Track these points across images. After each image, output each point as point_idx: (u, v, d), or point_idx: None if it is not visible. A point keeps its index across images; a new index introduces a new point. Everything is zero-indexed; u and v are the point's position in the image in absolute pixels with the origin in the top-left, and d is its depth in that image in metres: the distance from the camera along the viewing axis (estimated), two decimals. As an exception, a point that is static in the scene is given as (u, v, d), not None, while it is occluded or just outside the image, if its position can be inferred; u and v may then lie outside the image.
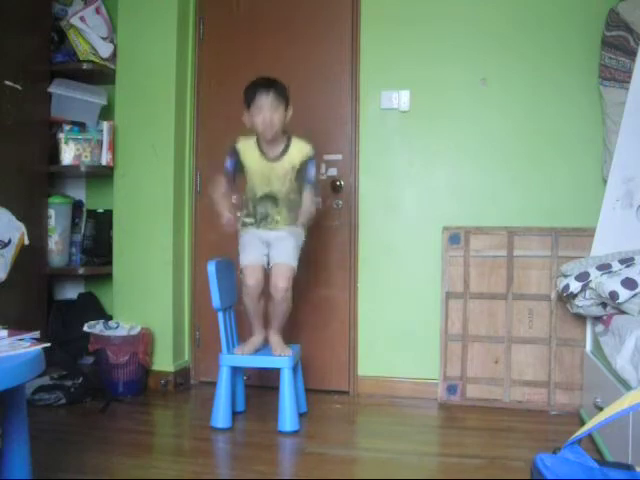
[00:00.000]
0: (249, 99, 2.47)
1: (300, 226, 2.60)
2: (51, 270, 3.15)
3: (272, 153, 2.53)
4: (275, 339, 2.60)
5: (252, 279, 2.49)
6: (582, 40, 2.88)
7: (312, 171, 2.57)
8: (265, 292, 2.57)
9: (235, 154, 2.57)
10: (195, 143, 3.30)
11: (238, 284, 2.70)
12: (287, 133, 2.55)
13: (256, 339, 2.63)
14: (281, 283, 2.48)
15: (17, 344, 1.58)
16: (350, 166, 3.14)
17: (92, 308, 3.31)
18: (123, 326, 3.02)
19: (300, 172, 2.56)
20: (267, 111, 2.42)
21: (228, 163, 2.59)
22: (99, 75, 3.23)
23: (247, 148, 2.56)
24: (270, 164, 2.52)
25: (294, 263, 2.54)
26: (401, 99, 3.07)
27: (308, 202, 2.58)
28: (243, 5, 3.26)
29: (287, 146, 2.53)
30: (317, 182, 2.67)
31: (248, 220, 2.61)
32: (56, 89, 3.13)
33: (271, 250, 2.56)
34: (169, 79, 3.14)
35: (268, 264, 2.55)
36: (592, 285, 2.40)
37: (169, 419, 2.83)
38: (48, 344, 1.61)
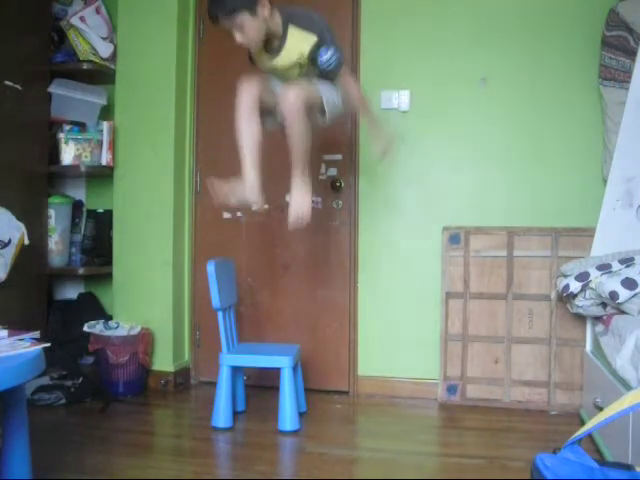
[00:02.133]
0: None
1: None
2: (51, 270, 3.15)
3: (271, 49, 2.17)
4: (297, 181, 2.19)
5: (246, 88, 2.14)
6: (582, 40, 2.88)
7: (325, 58, 2.09)
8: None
9: (251, 58, 2.28)
10: (195, 143, 3.30)
11: (238, 283, 2.70)
12: (282, 18, 2.11)
13: (242, 183, 2.16)
14: (291, 96, 2.04)
15: (17, 344, 1.59)
16: (350, 166, 3.14)
17: (92, 308, 3.31)
18: (123, 326, 3.02)
19: (316, 66, 2.14)
20: (234, 32, 2.06)
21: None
22: (99, 75, 3.23)
23: (255, 50, 2.21)
24: (274, 59, 2.17)
25: (320, 92, 2.15)
26: (401, 99, 3.07)
27: (351, 89, 2.21)
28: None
29: (282, 41, 2.12)
30: (342, 60, 2.16)
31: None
32: (56, 89, 3.13)
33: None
34: (169, 79, 3.14)
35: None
36: (592, 285, 2.40)
37: (169, 419, 2.83)
38: (48, 344, 1.61)
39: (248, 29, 2.05)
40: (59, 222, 3.16)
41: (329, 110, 2.21)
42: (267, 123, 2.26)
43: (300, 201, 2.16)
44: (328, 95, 2.20)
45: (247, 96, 2.15)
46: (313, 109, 2.17)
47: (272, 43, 2.16)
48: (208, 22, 3.26)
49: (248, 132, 2.14)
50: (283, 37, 2.12)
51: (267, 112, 2.23)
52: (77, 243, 3.30)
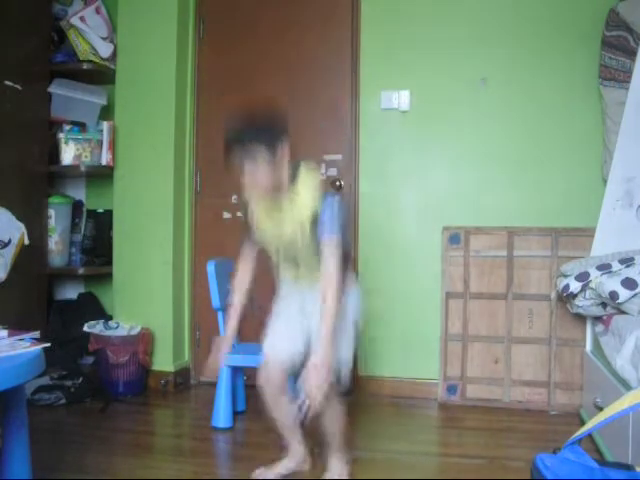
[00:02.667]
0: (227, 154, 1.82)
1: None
2: (51, 270, 3.15)
3: (276, 207, 1.90)
4: (335, 462, 2.02)
5: (264, 373, 1.94)
6: (582, 40, 2.88)
7: (325, 215, 1.83)
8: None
9: (245, 208, 2.02)
10: (195, 143, 3.30)
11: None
12: (293, 176, 1.87)
13: (290, 458, 2.06)
14: (318, 374, 1.74)
15: (17, 344, 1.59)
16: (350, 166, 3.14)
17: (92, 308, 3.31)
18: (123, 326, 3.02)
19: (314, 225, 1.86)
20: (247, 168, 1.78)
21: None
22: (99, 75, 3.23)
23: (252, 199, 1.95)
24: (276, 214, 1.91)
25: (344, 355, 1.90)
26: (401, 99, 3.07)
27: (325, 285, 1.83)
28: (243, 5, 3.26)
29: (292, 199, 1.87)
30: (340, 226, 1.87)
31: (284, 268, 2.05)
32: (56, 89, 3.13)
33: (310, 321, 1.95)
34: (169, 79, 3.14)
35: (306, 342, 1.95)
36: (592, 285, 2.40)
37: (169, 419, 2.83)
38: (48, 344, 1.61)
39: (262, 172, 1.79)
40: (59, 222, 3.16)
41: (345, 373, 1.93)
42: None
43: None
44: (343, 358, 1.92)
45: (274, 386, 1.95)
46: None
47: (278, 200, 1.88)
48: (208, 22, 3.29)
49: (282, 414, 2.02)
50: (292, 197, 1.86)
51: None
52: (77, 243, 3.30)
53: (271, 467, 2.06)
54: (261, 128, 1.82)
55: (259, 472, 2.04)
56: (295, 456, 2.08)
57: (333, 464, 2.02)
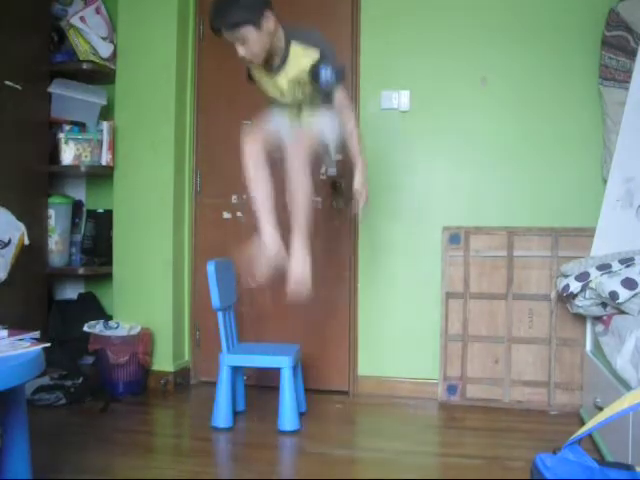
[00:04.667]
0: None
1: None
2: (51, 270, 3.15)
3: (272, 67, 2.14)
4: (298, 256, 2.13)
5: (252, 136, 2.11)
6: (582, 40, 2.88)
7: (326, 75, 2.06)
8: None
9: (250, 76, 2.25)
10: (195, 143, 3.30)
11: (238, 283, 2.69)
12: (286, 35, 2.09)
13: (265, 244, 2.11)
14: (298, 147, 2.05)
15: (17, 344, 1.59)
16: (350, 166, 3.12)
17: (92, 308, 3.31)
18: (123, 326, 3.02)
19: (314, 82, 2.10)
20: (237, 45, 2.02)
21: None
22: (99, 75, 3.23)
23: (255, 68, 2.19)
24: (274, 77, 2.14)
25: (324, 134, 2.14)
26: (401, 99, 3.07)
27: (345, 116, 2.15)
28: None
29: (284, 57, 2.09)
30: (341, 79, 2.12)
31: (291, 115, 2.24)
32: (56, 89, 3.13)
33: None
34: (169, 79, 3.14)
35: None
36: (592, 285, 2.40)
37: (169, 419, 2.83)
38: (48, 344, 1.61)
39: (252, 43, 2.00)
40: (59, 222, 3.16)
41: (334, 152, 2.21)
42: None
43: (300, 268, 2.10)
44: (332, 135, 2.17)
45: (251, 155, 2.12)
46: (319, 154, 2.16)
47: (273, 60, 2.12)
48: (208, 22, 3.28)
49: (259, 189, 2.12)
50: (285, 53, 2.08)
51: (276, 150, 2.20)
52: (77, 243, 3.30)
53: (251, 263, 2.06)
54: (240, 4, 1.96)
55: (254, 279, 2.06)
56: (270, 244, 2.08)
57: (296, 251, 2.09)
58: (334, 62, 2.10)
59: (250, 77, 2.28)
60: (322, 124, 2.15)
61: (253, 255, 2.10)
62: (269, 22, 2.01)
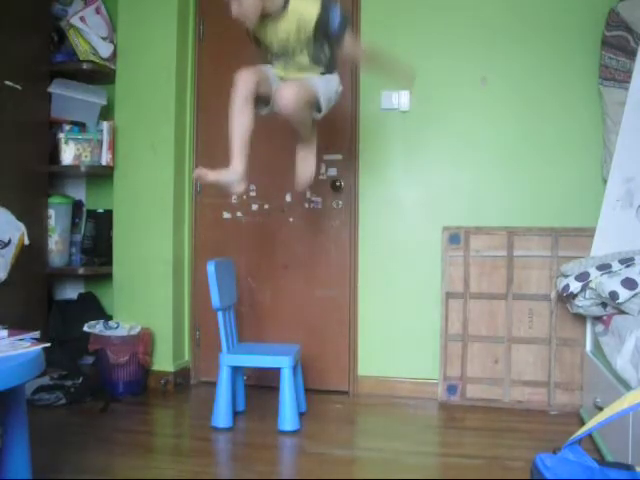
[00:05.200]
0: None
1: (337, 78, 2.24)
2: (51, 270, 3.15)
3: (272, 16, 2.12)
4: (301, 150, 2.34)
5: (243, 76, 2.12)
6: (582, 40, 2.88)
7: (335, 20, 2.06)
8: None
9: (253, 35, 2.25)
10: (195, 143, 3.30)
11: (238, 283, 2.69)
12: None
13: (229, 171, 2.13)
14: (288, 92, 2.02)
15: (17, 344, 1.59)
16: (350, 166, 3.14)
17: (92, 308, 3.31)
18: (123, 326, 3.02)
19: (320, 30, 2.09)
20: (232, 7, 2.03)
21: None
22: (99, 75, 3.23)
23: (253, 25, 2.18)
24: (274, 26, 2.13)
25: (316, 87, 2.14)
26: (401, 99, 3.07)
27: (358, 50, 2.25)
28: (243, 5, 3.25)
29: (285, 4, 2.08)
30: (349, 22, 2.16)
31: (278, 71, 2.26)
32: (56, 89, 3.13)
33: None
34: (169, 79, 3.14)
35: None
36: (592, 285, 2.40)
37: (169, 419, 2.83)
38: (48, 344, 1.61)
39: (245, 4, 2.01)
40: (59, 222, 3.16)
41: (325, 106, 2.22)
42: (262, 111, 2.25)
43: (305, 164, 2.30)
44: (323, 90, 2.19)
45: (243, 85, 2.12)
46: (309, 105, 2.17)
47: (273, 11, 2.09)
48: (208, 22, 3.29)
49: (240, 120, 2.12)
50: (285, 6, 2.08)
51: (263, 101, 2.22)
52: (77, 243, 3.30)
53: (213, 171, 2.11)
54: None
55: (199, 171, 2.11)
56: (234, 172, 2.12)
57: (300, 150, 2.37)
58: (337, 6, 2.09)
59: (254, 38, 2.26)
60: (314, 79, 2.18)
61: (221, 171, 2.14)
62: None
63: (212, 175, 2.10)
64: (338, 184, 3.14)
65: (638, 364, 1.87)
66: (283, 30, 2.12)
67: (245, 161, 2.13)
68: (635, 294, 2.21)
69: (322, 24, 2.07)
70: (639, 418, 1.72)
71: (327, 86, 2.22)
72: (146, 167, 3.15)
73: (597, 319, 2.50)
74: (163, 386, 3.09)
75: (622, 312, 2.27)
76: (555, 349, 2.84)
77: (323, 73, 2.23)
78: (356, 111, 3.12)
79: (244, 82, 2.12)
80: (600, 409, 2.09)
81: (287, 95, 2.01)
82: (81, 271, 3.20)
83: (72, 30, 3.11)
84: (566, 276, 2.57)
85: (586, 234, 2.75)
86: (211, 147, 3.26)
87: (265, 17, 2.12)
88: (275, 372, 2.55)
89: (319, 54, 2.18)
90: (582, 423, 2.52)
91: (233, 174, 2.12)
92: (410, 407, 2.92)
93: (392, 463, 2.20)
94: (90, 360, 3.15)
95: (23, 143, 2.92)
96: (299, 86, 2.07)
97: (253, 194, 3.21)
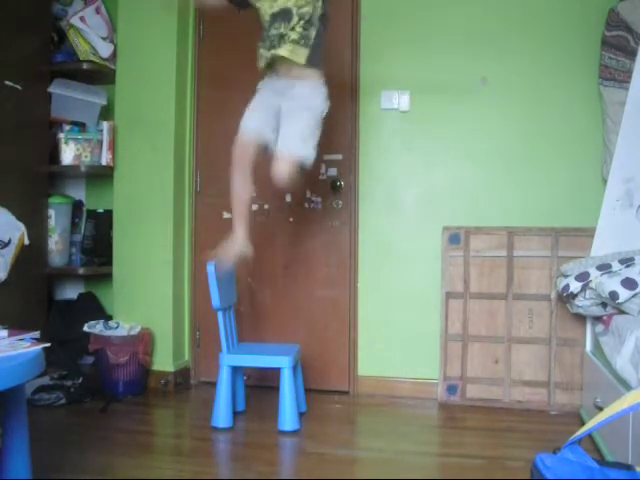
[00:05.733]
0: None
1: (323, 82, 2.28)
2: (51, 270, 3.15)
3: None
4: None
5: (240, 144, 2.25)
6: (582, 40, 2.88)
7: None
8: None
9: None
10: (195, 143, 3.30)
11: (238, 283, 2.69)
12: None
13: (236, 240, 2.32)
14: (282, 167, 2.17)
15: (17, 344, 1.58)
16: (350, 166, 3.14)
17: (92, 308, 3.31)
18: (123, 326, 3.02)
19: None
20: None
21: None
22: (99, 75, 3.23)
23: None
24: None
25: (302, 151, 2.22)
26: (401, 99, 3.07)
27: None
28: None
29: None
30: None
31: (263, 51, 2.30)
32: (56, 89, 3.13)
33: (282, 115, 2.27)
34: (169, 79, 3.14)
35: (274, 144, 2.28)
36: (592, 285, 2.40)
37: (169, 419, 2.83)
38: (48, 344, 1.61)
39: None
40: (59, 222, 3.16)
41: (312, 156, 2.28)
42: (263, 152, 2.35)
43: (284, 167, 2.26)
44: (312, 124, 2.26)
45: (242, 158, 2.26)
46: (298, 169, 2.27)
47: None
48: (208, 22, 3.29)
49: (241, 190, 2.30)
50: None
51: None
52: (77, 243, 3.30)
53: (221, 254, 2.33)
54: None
55: (211, 260, 2.33)
56: (239, 241, 2.32)
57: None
58: None
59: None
60: (299, 135, 2.22)
61: (225, 246, 2.33)
62: None
63: (222, 254, 2.31)
64: (338, 184, 3.14)
65: (638, 364, 1.87)
66: None
67: (246, 228, 2.34)
68: (635, 294, 2.21)
69: None
70: (639, 418, 1.72)
71: (315, 113, 2.26)
72: (146, 167, 3.15)
73: (597, 319, 2.51)
74: (163, 386, 3.09)
75: (622, 312, 2.27)
76: (555, 349, 2.84)
77: (309, 60, 2.22)
78: (356, 111, 3.12)
79: (242, 155, 2.25)
80: (600, 409, 2.09)
81: (281, 172, 2.17)
82: (81, 271, 3.20)
83: (72, 30, 3.11)
84: (566, 276, 2.57)
85: (586, 234, 2.75)
86: (211, 147, 3.26)
87: None
88: (275, 372, 2.55)
89: (311, 20, 2.21)
90: (582, 423, 2.52)
91: (238, 244, 2.31)
92: (410, 407, 2.92)
93: (392, 463, 2.20)
94: (90, 360, 3.16)
95: (23, 143, 2.92)
96: (291, 163, 2.18)
97: (253, 194, 3.20)
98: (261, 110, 2.30)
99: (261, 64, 2.32)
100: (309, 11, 2.20)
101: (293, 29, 2.19)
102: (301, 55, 2.21)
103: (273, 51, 2.22)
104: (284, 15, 2.20)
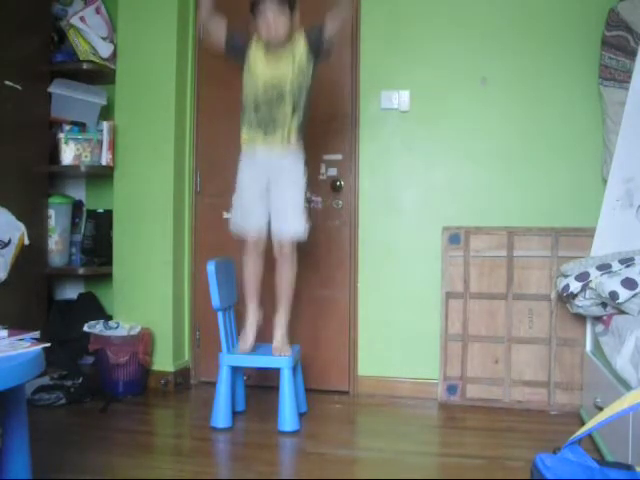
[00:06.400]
0: (253, 4, 2.37)
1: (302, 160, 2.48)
2: (51, 270, 3.15)
3: (277, 54, 2.42)
4: (279, 335, 2.56)
5: (250, 246, 2.49)
6: (582, 40, 2.88)
7: (317, 34, 2.42)
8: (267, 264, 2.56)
9: (247, 40, 2.46)
10: (195, 143, 3.30)
11: (238, 283, 2.69)
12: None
13: (251, 323, 2.58)
14: (285, 247, 2.45)
15: (17, 344, 1.58)
16: (350, 166, 3.14)
17: (92, 308, 3.31)
18: (123, 326, 3.02)
19: (313, 44, 2.42)
20: (270, 15, 2.32)
21: (235, 36, 2.48)
22: (99, 75, 3.23)
23: (256, 48, 2.45)
24: (274, 64, 2.41)
25: (300, 227, 2.46)
26: (401, 99, 3.07)
27: (334, 27, 2.43)
28: (243, 6, 3.24)
29: (292, 44, 2.42)
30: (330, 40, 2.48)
31: (246, 135, 2.50)
32: (56, 89, 3.13)
33: (272, 188, 2.46)
34: (169, 79, 3.14)
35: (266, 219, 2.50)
36: (592, 285, 2.40)
37: (169, 419, 2.83)
38: (48, 344, 1.61)
39: (283, 19, 2.33)
40: (59, 222, 3.16)
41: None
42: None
43: (280, 350, 2.51)
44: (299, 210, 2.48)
45: (254, 248, 2.50)
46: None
47: (280, 50, 2.40)
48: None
49: (254, 273, 2.53)
50: (292, 43, 2.41)
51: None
52: (77, 243, 3.30)
53: (244, 337, 2.54)
54: None
55: (242, 348, 2.53)
56: (253, 320, 2.57)
57: (276, 335, 2.54)
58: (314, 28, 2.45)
59: (248, 39, 2.46)
60: (291, 215, 2.45)
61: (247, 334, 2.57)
62: (296, 18, 2.41)
63: (249, 345, 2.53)
64: (338, 184, 3.14)
65: (638, 364, 1.87)
66: (289, 60, 2.40)
67: (260, 308, 2.60)
68: (635, 294, 2.21)
69: (312, 45, 2.41)
70: (639, 418, 1.72)
71: (300, 186, 2.47)
72: (146, 167, 3.15)
73: (597, 319, 2.50)
74: (163, 386, 3.09)
75: (622, 312, 2.27)
76: (555, 349, 2.84)
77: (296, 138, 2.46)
78: (356, 111, 3.12)
79: (254, 249, 2.48)
80: (600, 409, 2.09)
81: (284, 253, 2.44)
82: (81, 271, 3.20)
83: (72, 30, 3.11)
84: (566, 276, 2.57)
85: (586, 234, 2.75)
86: (211, 147, 3.26)
87: (276, 47, 2.39)
88: (275, 372, 2.55)
89: (300, 102, 2.43)
90: (582, 423, 2.52)
91: (251, 326, 2.57)
92: (410, 407, 2.92)
93: (392, 463, 2.20)
94: (90, 360, 3.16)
95: (23, 143, 2.92)
96: (290, 244, 2.46)
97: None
98: (254, 202, 2.48)
99: (245, 140, 2.50)
100: (303, 85, 2.43)
101: (285, 118, 2.42)
102: (292, 138, 2.45)
103: (266, 137, 2.43)
104: (277, 99, 2.41)
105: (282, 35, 2.36)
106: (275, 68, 2.40)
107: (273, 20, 2.33)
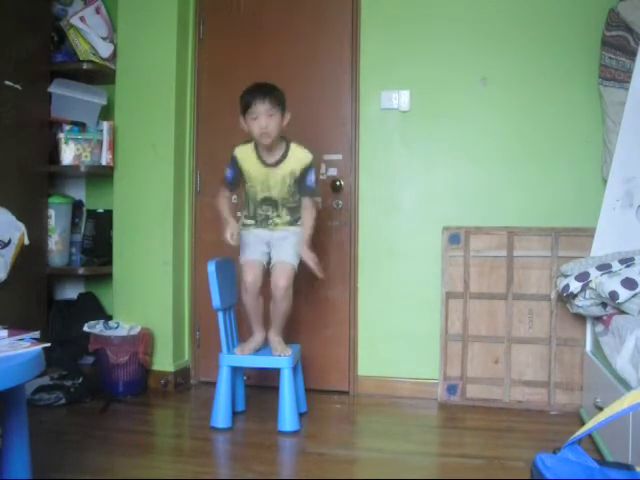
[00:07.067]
0: (245, 105, 2.46)
1: (300, 231, 2.61)
2: (51, 270, 3.15)
3: (270, 159, 2.54)
4: (275, 340, 2.62)
5: (250, 275, 2.53)
6: (582, 40, 2.88)
7: (311, 179, 2.57)
8: (264, 291, 2.59)
9: (234, 162, 2.58)
10: (195, 143, 3.30)
11: (238, 284, 2.70)
12: (285, 139, 2.55)
13: (256, 339, 2.65)
14: (281, 282, 2.50)
15: (17, 344, 1.58)
16: (350, 166, 3.14)
17: (92, 308, 3.31)
18: (123, 326, 3.02)
19: (299, 179, 2.56)
20: (263, 118, 2.41)
21: (228, 173, 2.61)
22: (99, 75, 3.23)
23: (245, 155, 2.56)
24: (268, 170, 2.54)
25: (295, 262, 2.56)
26: (401, 99, 3.07)
27: (308, 215, 2.60)
28: (243, 5, 3.25)
29: (285, 153, 2.53)
30: (318, 188, 2.73)
31: (248, 222, 2.64)
32: (56, 89, 3.13)
33: (272, 249, 2.60)
34: (169, 79, 3.14)
35: (269, 263, 2.60)
36: (592, 285, 2.40)
37: (169, 419, 2.83)
38: (48, 344, 1.61)
39: (274, 122, 2.43)
40: (59, 222, 3.16)
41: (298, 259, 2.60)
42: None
43: (280, 351, 2.56)
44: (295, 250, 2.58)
45: (252, 285, 2.54)
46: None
47: (273, 154, 2.53)
48: (208, 22, 3.29)
49: (255, 306, 2.60)
50: (286, 149, 2.53)
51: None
52: (77, 243, 3.30)
53: (244, 346, 2.60)
54: (280, 92, 2.49)
55: (239, 349, 2.58)
56: (258, 337, 2.64)
57: (273, 340, 2.61)
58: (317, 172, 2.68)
59: (234, 161, 2.59)
60: (287, 251, 2.57)
61: (249, 345, 2.63)
62: (286, 119, 2.50)
63: (247, 350, 2.59)
64: (338, 184, 3.14)
65: (638, 364, 1.87)
66: (280, 170, 2.52)
67: (264, 329, 2.66)
68: (635, 294, 2.21)
69: (303, 175, 2.54)
70: (639, 418, 1.72)
71: (298, 241, 2.58)
72: (146, 167, 3.15)
73: (597, 319, 2.50)
74: (163, 386, 3.09)
75: (622, 312, 2.27)
76: (555, 349, 2.84)
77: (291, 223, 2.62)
78: (356, 111, 3.12)
79: (252, 283, 2.53)
80: (600, 409, 2.09)
81: (281, 285, 2.49)
82: (81, 271, 3.20)
83: (72, 30, 3.11)
84: (566, 276, 2.57)
85: (586, 234, 2.75)
86: (211, 147, 3.26)
87: (266, 155, 2.52)
88: (275, 372, 2.55)
89: (296, 204, 2.60)
90: (582, 423, 2.52)
91: (256, 341, 2.63)
92: (410, 407, 2.92)
93: (392, 463, 2.20)
94: (90, 360, 3.16)
95: (23, 143, 2.92)
96: (288, 275, 2.52)
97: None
98: (253, 245, 2.60)
99: (245, 225, 2.65)
100: (296, 203, 2.59)
101: (279, 216, 2.59)
102: (287, 224, 2.60)
103: (265, 227, 2.60)
104: (272, 202, 2.57)
105: (274, 137, 2.46)
106: (267, 172, 2.54)
107: (266, 122, 2.41)
